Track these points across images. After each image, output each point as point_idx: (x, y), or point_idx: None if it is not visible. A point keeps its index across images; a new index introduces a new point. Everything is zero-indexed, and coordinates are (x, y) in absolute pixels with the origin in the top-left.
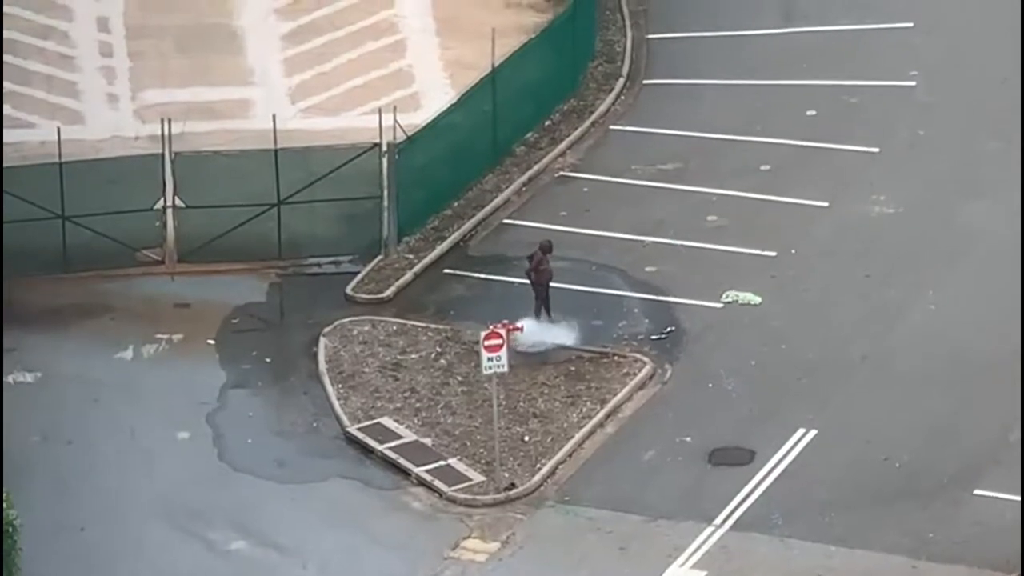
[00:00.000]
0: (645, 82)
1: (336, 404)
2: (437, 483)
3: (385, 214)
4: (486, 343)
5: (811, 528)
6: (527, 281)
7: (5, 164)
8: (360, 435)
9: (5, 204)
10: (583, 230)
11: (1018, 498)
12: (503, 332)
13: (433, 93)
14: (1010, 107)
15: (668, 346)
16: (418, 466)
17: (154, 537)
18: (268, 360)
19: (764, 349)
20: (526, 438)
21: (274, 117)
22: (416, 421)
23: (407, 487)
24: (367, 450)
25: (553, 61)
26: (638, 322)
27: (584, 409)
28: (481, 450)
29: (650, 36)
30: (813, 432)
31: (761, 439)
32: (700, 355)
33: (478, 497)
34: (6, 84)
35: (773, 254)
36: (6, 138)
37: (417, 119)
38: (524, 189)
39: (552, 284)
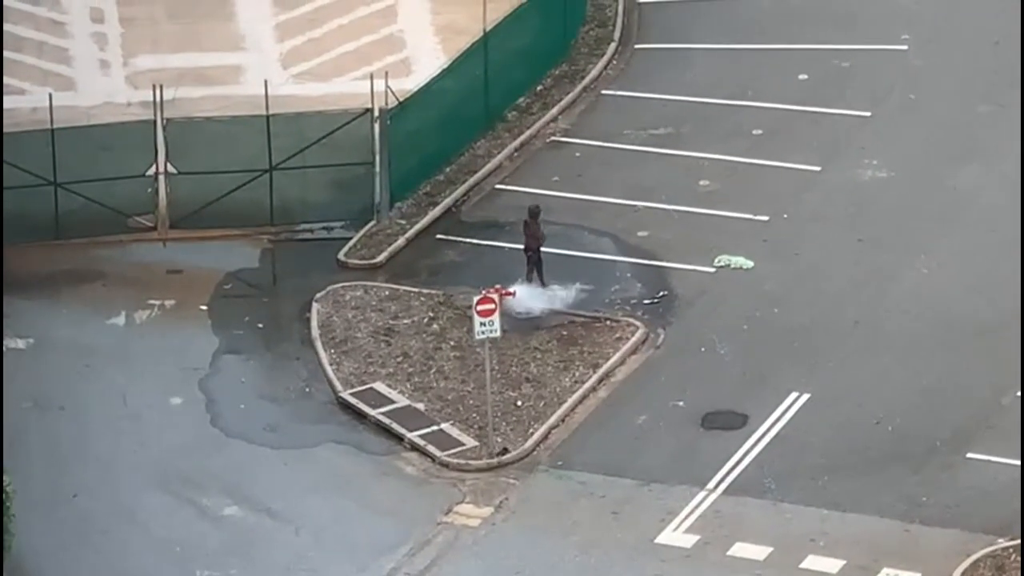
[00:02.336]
0: (637, 46)
1: (328, 369)
2: (430, 448)
3: (377, 180)
4: (479, 308)
5: (804, 492)
6: (520, 247)
7: None
8: (353, 400)
9: None
10: (575, 195)
11: (1011, 461)
12: (496, 297)
13: (424, 58)
14: (1002, 70)
15: (660, 311)
16: (411, 431)
17: (147, 503)
18: (260, 326)
19: (756, 313)
20: (519, 403)
21: (266, 83)
22: (409, 386)
23: (400, 452)
24: (360, 415)
25: (545, 26)
26: (631, 287)
27: (577, 374)
28: (474, 415)
29: (642, 0)
30: (806, 396)
31: (754, 403)
32: (693, 319)
33: (471, 462)
34: None
35: (765, 218)
36: None
37: (409, 84)
38: (516, 154)
39: (544, 249)
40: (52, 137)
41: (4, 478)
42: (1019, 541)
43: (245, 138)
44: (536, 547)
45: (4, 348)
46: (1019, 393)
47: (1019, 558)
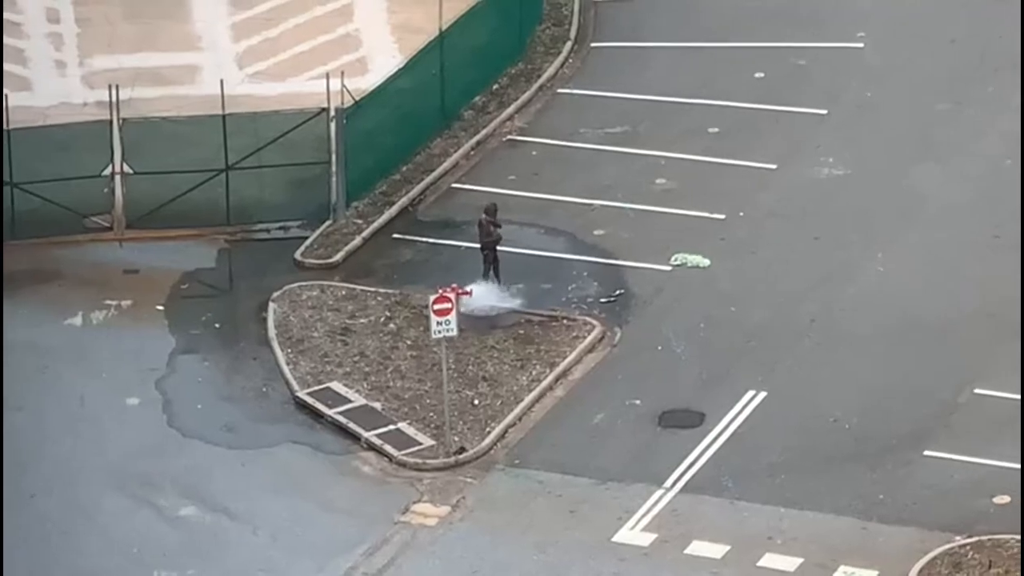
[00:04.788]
0: (593, 45)
1: (285, 369)
2: (387, 447)
3: (333, 179)
4: (435, 307)
5: (761, 490)
6: (477, 246)
7: None
8: (310, 400)
9: None
10: (532, 194)
11: (968, 458)
12: (452, 296)
13: (380, 57)
14: (958, 68)
15: (617, 309)
16: (368, 430)
17: (104, 504)
18: (217, 326)
19: (713, 312)
20: (476, 402)
21: (222, 83)
22: (365, 385)
23: (357, 452)
24: (317, 415)
25: (500, 25)
26: (587, 285)
27: (534, 372)
28: (431, 414)
29: None
30: (762, 395)
31: (711, 402)
32: (649, 318)
33: (428, 461)
34: None
35: (722, 217)
36: None
37: (365, 84)
38: (472, 153)
39: (501, 248)
40: (8, 137)
41: None
42: (975, 539)
43: (201, 138)
44: (493, 546)
45: None
46: (976, 390)
47: (976, 555)
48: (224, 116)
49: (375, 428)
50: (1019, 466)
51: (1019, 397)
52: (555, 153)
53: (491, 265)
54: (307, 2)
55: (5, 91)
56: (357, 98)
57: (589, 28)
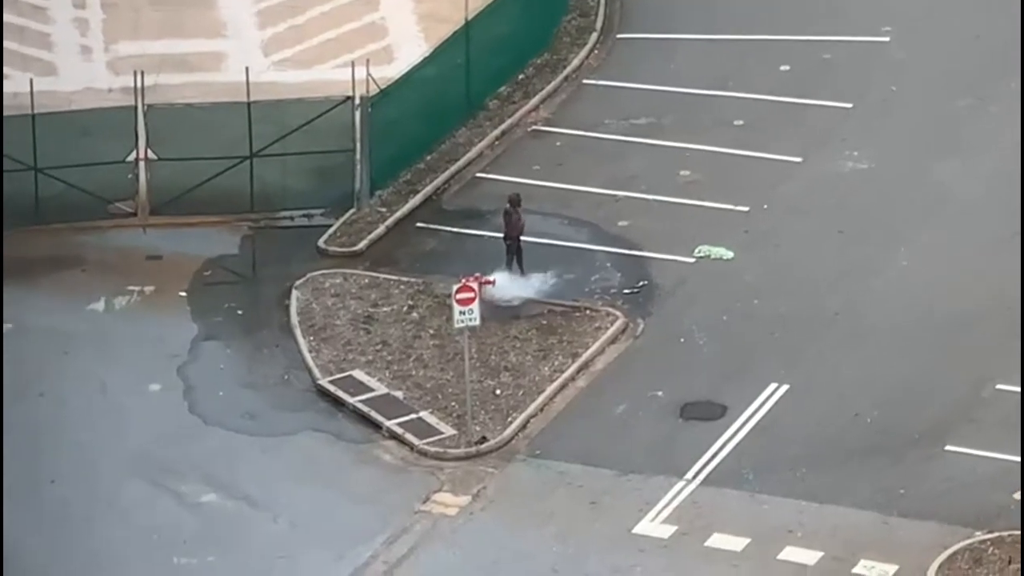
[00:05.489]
0: (619, 36)
1: (308, 357)
2: (408, 436)
3: (357, 167)
4: (458, 296)
5: (782, 483)
6: (500, 236)
7: None
8: (331, 388)
9: None
10: (556, 184)
11: (989, 454)
12: (475, 286)
13: (406, 46)
14: (983, 64)
15: (640, 300)
16: (389, 419)
17: (125, 490)
18: (240, 313)
19: (736, 304)
20: (497, 392)
21: (247, 70)
22: (387, 374)
23: (378, 440)
24: (338, 403)
25: (527, 15)
26: (610, 276)
27: (556, 363)
28: (452, 403)
29: None
30: (785, 387)
31: (733, 394)
32: (672, 310)
33: (449, 451)
34: None
35: (746, 209)
36: None
37: (390, 72)
38: (497, 143)
39: (524, 238)
40: (33, 122)
41: None
42: (996, 534)
43: (226, 125)
44: (513, 537)
45: None
46: (998, 386)
47: (996, 551)
48: (249, 103)
49: (396, 417)
50: (1022, 459)
51: None
52: (580, 144)
53: (514, 255)
54: None
55: (31, 76)
56: (382, 87)
57: (615, 19)
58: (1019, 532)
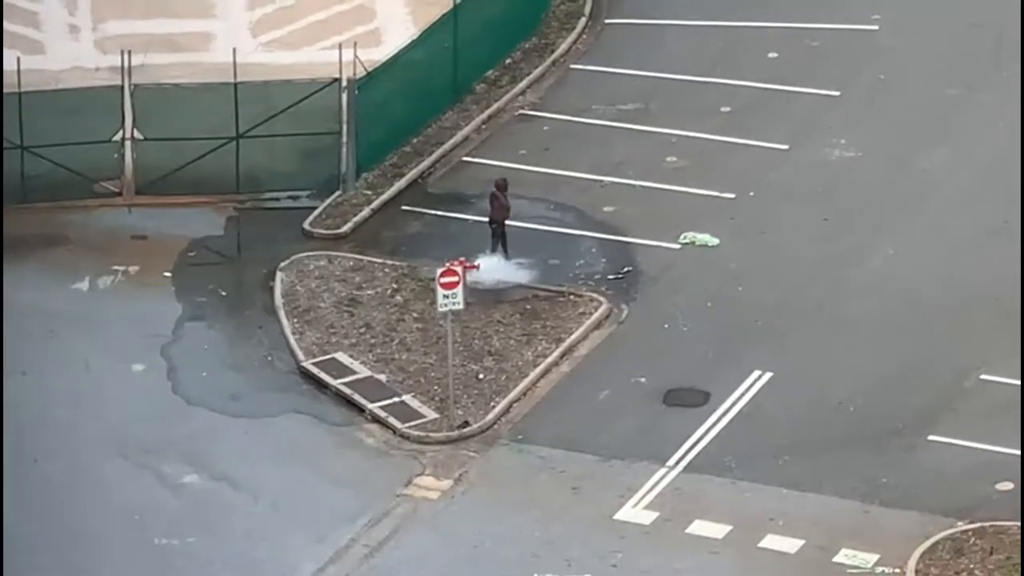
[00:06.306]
0: (607, 21)
1: (291, 339)
2: (391, 420)
3: (344, 150)
4: (442, 280)
5: (764, 471)
6: (485, 220)
7: None
8: (314, 370)
9: None
10: (542, 169)
11: (972, 444)
12: (459, 269)
13: (394, 29)
14: (973, 53)
15: (625, 286)
16: (372, 402)
17: (107, 470)
18: (224, 293)
19: (721, 291)
20: (480, 376)
21: (234, 51)
22: (371, 357)
23: (361, 423)
24: (321, 385)
25: None
26: (595, 262)
27: (539, 348)
28: (435, 387)
29: None
30: (768, 375)
31: (716, 381)
32: (657, 296)
33: (431, 434)
34: None
35: (732, 196)
36: None
37: (378, 55)
38: (484, 127)
39: (509, 222)
40: (19, 100)
41: None
42: (978, 525)
43: (213, 105)
44: (495, 521)
45: None
46: (982, 376)
47: (978, 541)
48: (236, 84)
49: (379, 400)
50: (1022, 453)
51: None
52: (567, 129)
53: (499, 239)
54: None
55: (18, 54)
56: (369, 69)
57: (603, 4)
58: (1000, 522)
